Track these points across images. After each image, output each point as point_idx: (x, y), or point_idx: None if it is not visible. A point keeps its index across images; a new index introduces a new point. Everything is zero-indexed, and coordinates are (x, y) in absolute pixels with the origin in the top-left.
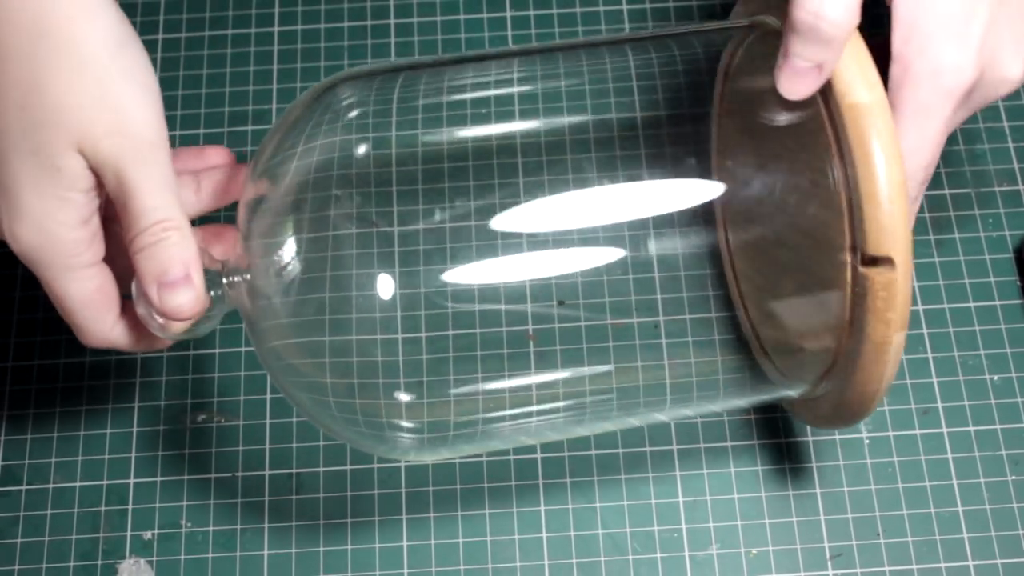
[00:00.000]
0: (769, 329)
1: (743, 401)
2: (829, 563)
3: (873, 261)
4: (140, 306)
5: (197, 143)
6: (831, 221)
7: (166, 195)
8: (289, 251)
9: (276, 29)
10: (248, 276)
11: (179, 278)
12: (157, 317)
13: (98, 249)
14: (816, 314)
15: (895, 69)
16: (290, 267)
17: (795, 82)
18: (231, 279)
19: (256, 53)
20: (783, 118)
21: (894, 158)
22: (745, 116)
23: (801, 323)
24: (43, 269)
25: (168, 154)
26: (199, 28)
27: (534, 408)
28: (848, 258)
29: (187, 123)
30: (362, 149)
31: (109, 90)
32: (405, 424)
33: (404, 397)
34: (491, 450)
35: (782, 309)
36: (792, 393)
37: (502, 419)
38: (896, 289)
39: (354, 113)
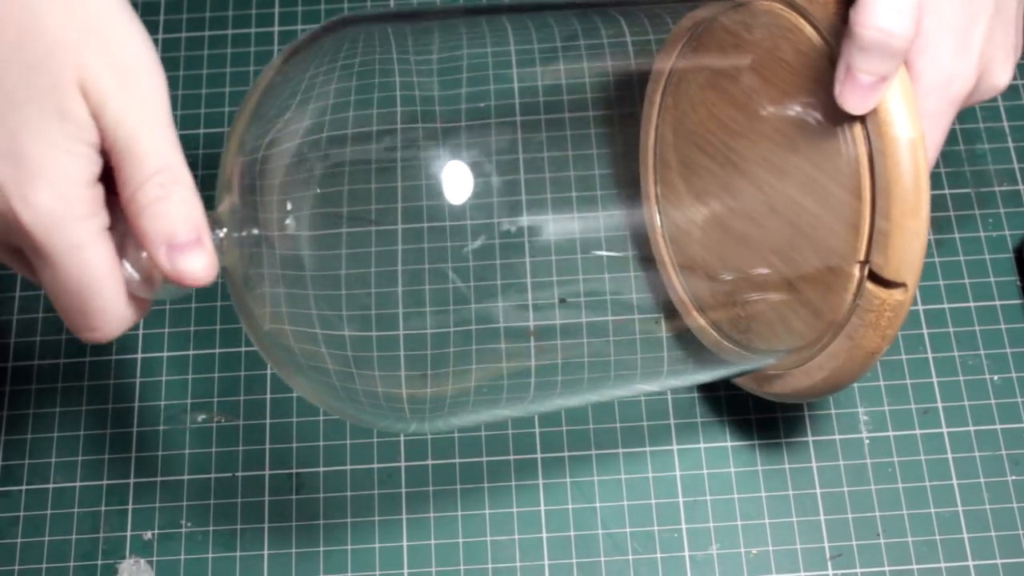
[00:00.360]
0: (720, 296)
1: (694, 376)
2: (829, 563)
3: (887, 283)
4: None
5: (197, 143)
6: (838, 231)
7: (169, 139)
8: (305, 210)
9: (276, 29)
10: (244, 234)
11: (190, 240)
12: (135, 273)
13: (106, 215)
14: (794, 303)
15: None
16: (301, 230)
17: (861, 97)
18: (221, 236)
19: (256, 53)
20: (806, 125)
21: (927, 194)
22: (728, 115)
23: (770, 304)
24: (59, 238)
25: (168, 97)
26: (199, 28)
27: (531, 380)
28: (856, 271)
29: (187, 123)
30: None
31: (108, 23)
32: (405, 396)
33: (406, 372)
34: (491, 421)
35: (747, 286)
36: (751, 367)
37: (498, 390)
38: (903, 311)
39: (364, 60)
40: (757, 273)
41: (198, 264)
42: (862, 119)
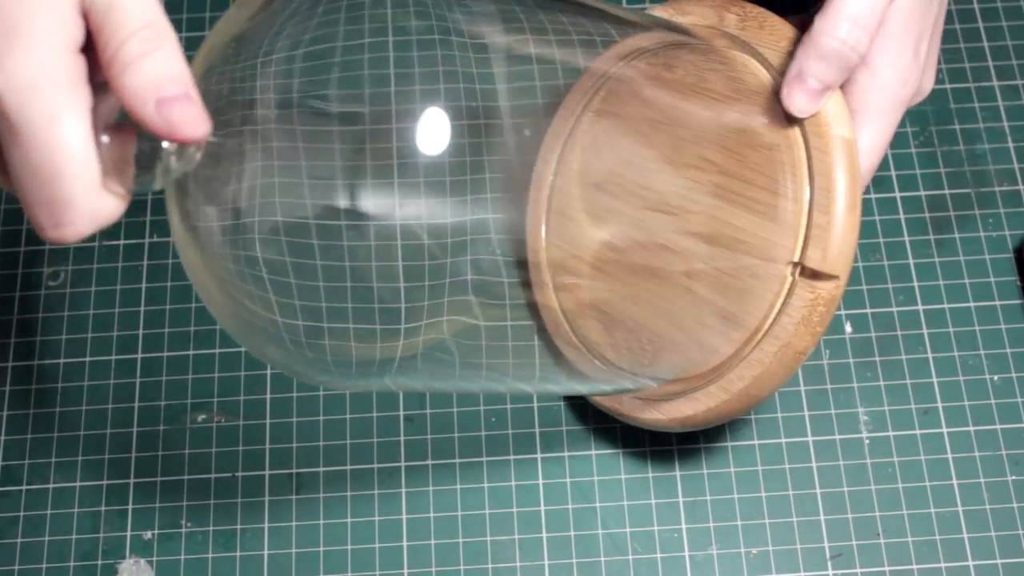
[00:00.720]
0: (622, 333)
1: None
2: (829, 563)
3: (821, 276)
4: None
5: None
6: (767, 236)
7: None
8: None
9: None
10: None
11: (180, 93)
12: (95, 152)
13: (88, 93)
14: (711, 321)
15: (865, 74)
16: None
17: (808, 101)
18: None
19: None
20: (745, 131)
21: (861, 191)
22: (642, 115)
23: (684, 329)
24: (34, 109)
25: None
26: (199, 28)
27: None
28: (787, 271)
29: None
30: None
31: None
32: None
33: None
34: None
35: (656, 318)
36: (632, 386)
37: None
38: (834, 305)
39: None
40: (668, 300)
41: (188, 113)
42: (800, 126)
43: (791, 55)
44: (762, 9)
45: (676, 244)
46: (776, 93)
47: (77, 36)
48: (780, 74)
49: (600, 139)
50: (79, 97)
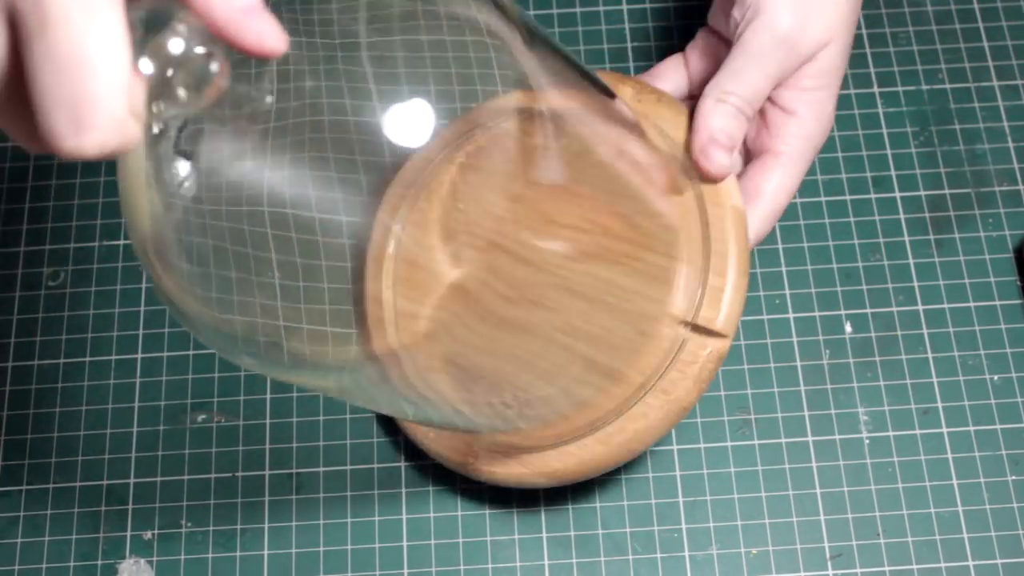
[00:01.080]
0: (482, 389)
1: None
2: (829, 563)
3: (713, 334)
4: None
5: None
6: (660, 294)
7: None
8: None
9: None
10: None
11: (258, 4)
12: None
13: None
14: (590, 376)
15: (793, 122)
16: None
17: (724, 156)
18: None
19: None
20: (639, 198)
21: (749, 250)
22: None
23: (557, 384)
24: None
25: None
26: None
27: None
28: (678, 329)
29: None
30: None
31: None
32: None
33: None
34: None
35: (524, 373)
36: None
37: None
38: (720, 362)
39: None
40: (539, 356)
41: (274, 25)
42: (697, 196)
43: (689, 128)
44: (656, 87)
45: (551, 301)
46: (673, 162)
47: None
48: (680, 145)
49: (467, 191)
50: None
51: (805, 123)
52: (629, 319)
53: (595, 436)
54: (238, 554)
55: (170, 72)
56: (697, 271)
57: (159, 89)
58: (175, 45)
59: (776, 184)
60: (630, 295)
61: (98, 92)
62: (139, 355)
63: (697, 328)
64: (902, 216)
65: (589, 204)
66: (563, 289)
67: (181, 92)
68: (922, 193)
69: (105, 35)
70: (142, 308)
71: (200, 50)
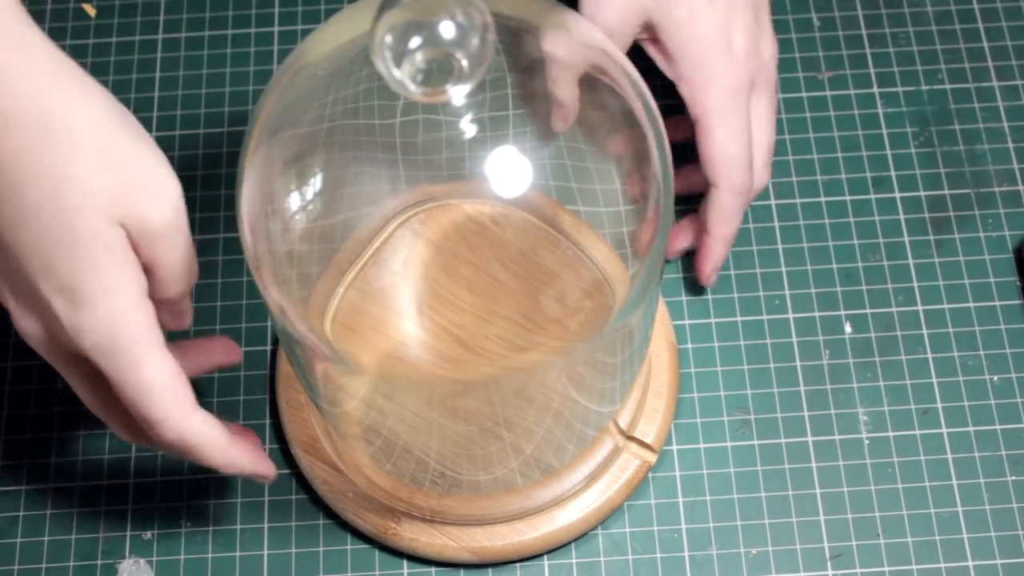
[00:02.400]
0: (407, 463)
1: None
2: (829, 563)
3: (643, 446)
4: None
5: (197, 143)
6: (603, 407)
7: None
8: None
9: (276, 29)
10: None
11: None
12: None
13: (160, 331)
14: (526, 469)
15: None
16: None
17: (715, 275)
18: None
19: (256, 53)
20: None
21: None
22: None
23: (491, 472)
24: (118, 356)
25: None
26: (199, 28)
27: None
28: (620, 439)
29: (187, 123)
30: None
31: (134, 164)
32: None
33: None
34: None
35: (457, 457)
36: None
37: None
38: (647, 472)
39: None
40: (475, 445)
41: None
42: None
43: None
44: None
45: (497, 396)
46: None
47: (143, 286)
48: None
49: (424, 271)
50: (156, 337)
51: (691, 72)
52: (576, 428)
53: (527, 521)
54: (238, 554)
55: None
56: (642, 391)
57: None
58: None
59: (723, 141)
60: (583, 408)
61: (156, 416)
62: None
63: (632, 439)
64: (902, 216)
65: (531, 309)
66: (512, 389)
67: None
68: (922, 193)
69: (154, 379)
70: None
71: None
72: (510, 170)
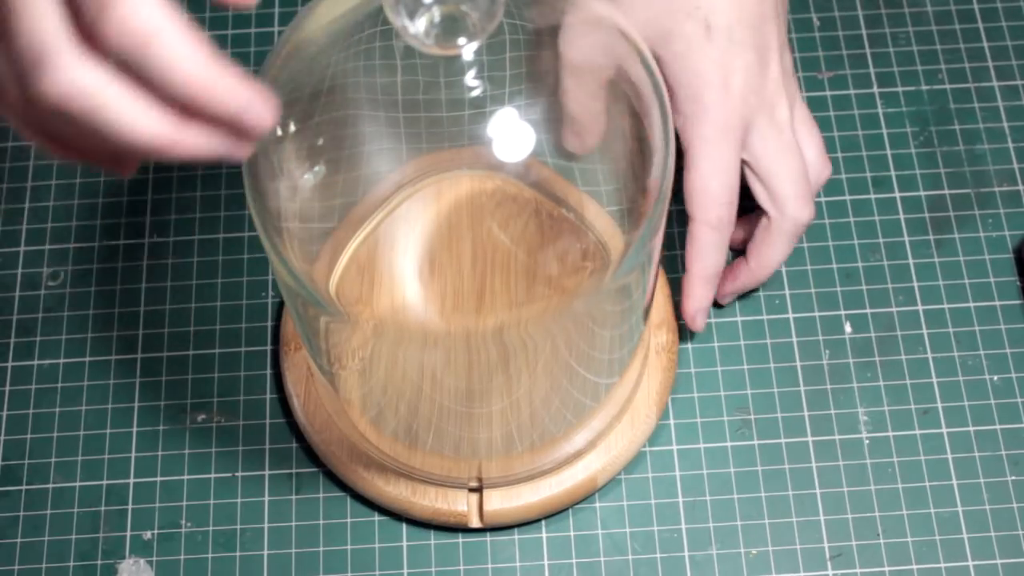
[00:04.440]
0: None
1: None
2: (829, 563)
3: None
4: None
5: None
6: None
7: None
8: None
9: (276, 29)
10: None
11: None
12: None
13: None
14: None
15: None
16: None
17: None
18: None
19: (256, 53)
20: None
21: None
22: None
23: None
24: None
25: None
26: (199, 28)
27: None
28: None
29: None
30: None
31: None
32: None
33: None
34: None
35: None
36: None
37: None
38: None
39: None
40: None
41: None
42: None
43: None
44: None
45: (491, 347)
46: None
47: None
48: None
49: (417, 234)
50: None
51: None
52: (574, 396)
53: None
54: (238, 554)
55: None
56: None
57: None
58: None
59: (704, 173)
60: (580, 377)
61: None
62: (139, 355)
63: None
64: (902, 216)
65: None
66: (513, 340)
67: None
68: (922, 193)
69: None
70: (142, 308)
71: None
72: (513, 137)
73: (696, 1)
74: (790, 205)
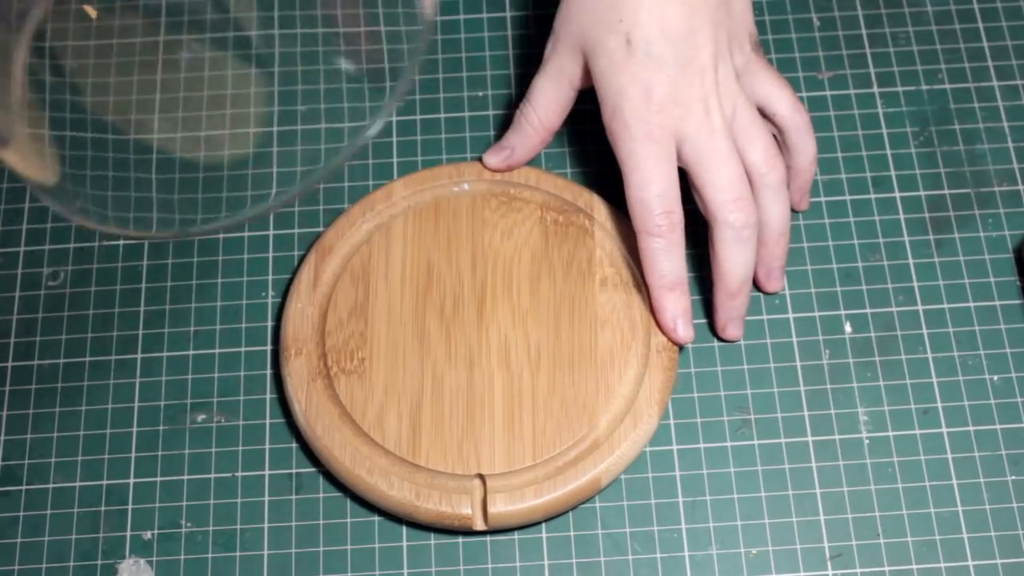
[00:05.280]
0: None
1: None
2: (829, 563)
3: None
4: None
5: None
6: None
7: None
8: None
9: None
10: None
11: None
12: None
13: None
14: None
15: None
16: None
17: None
18: None
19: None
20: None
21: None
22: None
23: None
24: None
25: None
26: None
27: None
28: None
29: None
30: None
31: None
32: None
33: None
34: None
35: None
36: None
37: None
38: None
39: None
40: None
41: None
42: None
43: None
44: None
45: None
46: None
47: None
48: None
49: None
50: None
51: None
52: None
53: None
54: (238, 554)
55: None
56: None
57: None
58: None
59: (634, 186)
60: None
61: None
62: (139, 355)
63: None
64: (902, 216)
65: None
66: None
67: None
68: (922, 193)
69: None
70: (142, 308)
71: None
72: None
73: (620, 13)
74: (720, 211)
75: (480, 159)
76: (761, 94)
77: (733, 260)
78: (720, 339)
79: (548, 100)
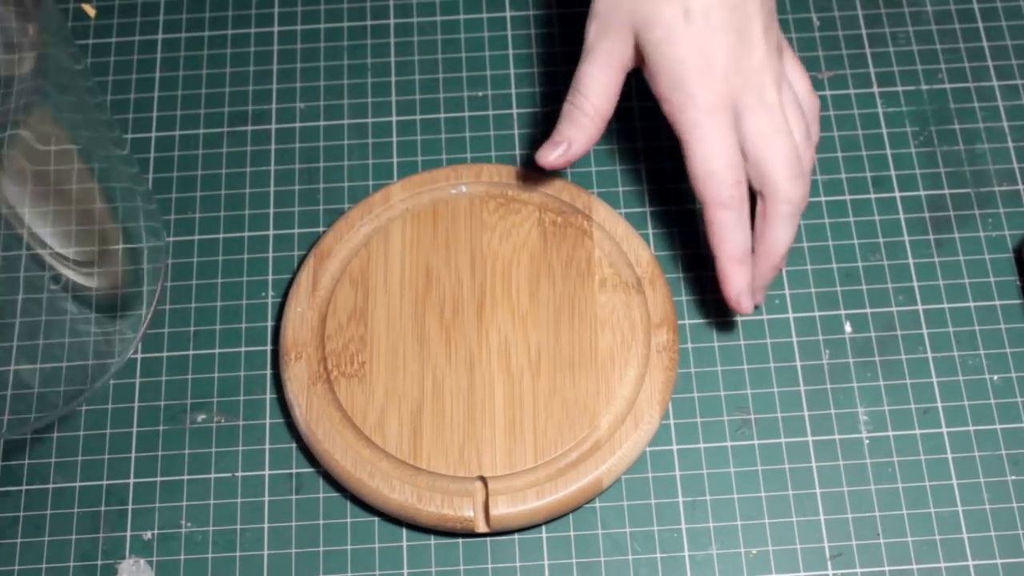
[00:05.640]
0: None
1: None
2: (829, 563)
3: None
4: None
5: (197, 143)
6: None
7: None
8: None
9: (276, 29)
10: None
11: None
12: None
13: None
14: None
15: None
16: None
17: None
18: None
19: (256, 53)
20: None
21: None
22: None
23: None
24: None
25: None
26: (199, 28)
27: None
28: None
29: (187, 123)
30: None
31: None
32: None
33: None
34: None
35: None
36: None
37: None
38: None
39: None
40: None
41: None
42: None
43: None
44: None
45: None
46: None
47: None
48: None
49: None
50: None
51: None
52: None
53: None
54: (238, 554)
55: None
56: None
57: None
58: None
59: (704, 157)
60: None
61: None
62: (139, 355)
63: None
64: (902, 216)
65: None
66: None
67: None
68: (922, 193)
69: None
70: (142, 308)
71: None
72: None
73: None
74: (783, 187)
75: (533, 158)
76: (786, 72)
77: (787, 234)
78: (734, 311)
79: (600, 86)
